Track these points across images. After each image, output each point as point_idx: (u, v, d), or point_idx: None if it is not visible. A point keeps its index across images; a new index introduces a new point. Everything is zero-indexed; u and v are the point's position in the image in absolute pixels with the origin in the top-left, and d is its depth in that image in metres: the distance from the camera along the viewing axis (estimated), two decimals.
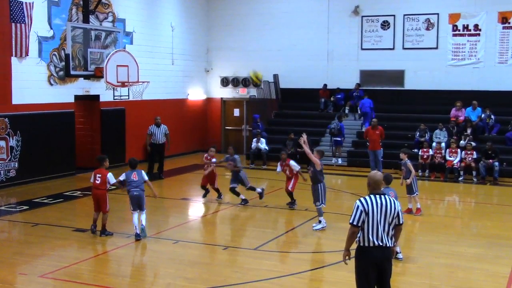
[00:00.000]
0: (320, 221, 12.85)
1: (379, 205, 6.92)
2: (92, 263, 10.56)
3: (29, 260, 10.60)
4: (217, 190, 15.79)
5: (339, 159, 22.13)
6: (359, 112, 23.64)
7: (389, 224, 6.97)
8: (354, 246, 7.14)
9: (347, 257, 7.26)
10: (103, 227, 12.20)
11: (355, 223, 6.93)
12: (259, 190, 15.49)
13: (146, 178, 12.16)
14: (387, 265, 7.08)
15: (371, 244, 6.91)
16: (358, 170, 21.11)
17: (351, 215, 6.98)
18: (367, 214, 6.89)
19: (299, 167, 14.60)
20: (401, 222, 7.07)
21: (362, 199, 6.99)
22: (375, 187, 7.08)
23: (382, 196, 7.01)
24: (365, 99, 23.14)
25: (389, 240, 7.00)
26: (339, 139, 22.15)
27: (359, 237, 6.99)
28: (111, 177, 12.05)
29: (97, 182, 12.04)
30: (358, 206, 6.94)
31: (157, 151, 19.45)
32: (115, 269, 10.48)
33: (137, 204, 11.90)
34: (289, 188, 14.62)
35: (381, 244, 6.92)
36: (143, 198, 11.99)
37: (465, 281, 9.76)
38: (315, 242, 12.06)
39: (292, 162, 14.62)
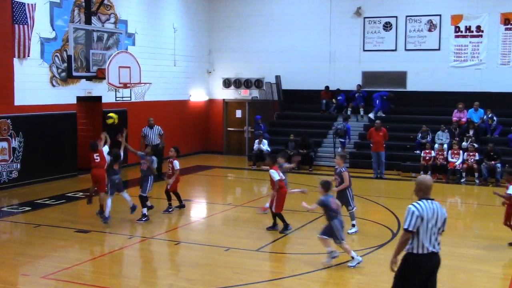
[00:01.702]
0: (353, 225, 12.69)
1: (430, 210, 6.76)
2: (94, 264, 10.57)
3: (31, 261, 10.61)
4: None
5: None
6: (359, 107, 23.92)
7: (438, 230, 6.85)
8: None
9: (394, 265, 7.02)
10: (101, 208, 13.06)
11: (410, 228, 6.70)
12: (145, 210, 13.55)
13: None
14: (437, 272, 6.94)
15: (425, 251, 6.75)
16: (360, 172, 21.08)
17: (405, 221, 6.75)
18: (422, 219, 6.70)
19: (278, 177, 12.62)
20: (445, 229, 6.97)
21: (415, 204, 6.78)
22: (427, 192, 6.85)
23: (433, 202, 6.85)
24: (383, 92, 23.66)
25: (438, 246, 6.86)
26: (343, 140, 22.15)
27: (411, 244, 6.79)
28: (106, 151, 13.63)
29: (97, 160, 13.23)
30: (413, 212, 6.71)
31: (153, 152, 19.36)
32: (117, 270, 10.49)
33: (116, 189, 13.21)
34: (273, 209, 12.78)
35: (433, 250, 6.78)
36: (121, 183, 13.37)
37: (467, 282, 9.74)
38: (317, 243, 12.02)
39: (272, 172, 12.66)
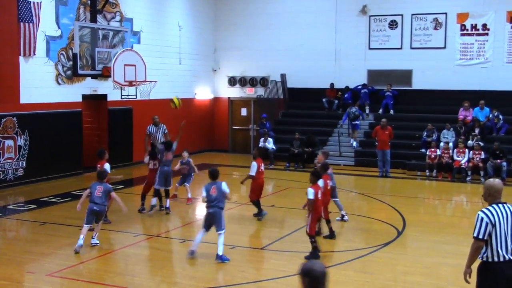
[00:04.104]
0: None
1: (504, 215, 6.41)
2: (99, 261, 10.59)
3: (37, 259, 10.64)
4: None
5: (354, 142, 22.63)
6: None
7: None
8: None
9: (468, 275, 6.65)
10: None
11: (480, 236, 6.34)
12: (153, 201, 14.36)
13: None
14: None
15: (501, 259, 6.35)
16: (365, 170, 21.08)
17: (475, 228, 6.40)
18: (493, 226, 6.33)
19: (253, 172, 13.55)
20: None
21: (485, 210, 6.42)
22: (497, 196, 6.52)
23: (505, 205, 6.50)
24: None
25: None
26: (357, 122, 22.67)
27: (484, 253, 6.42)
28: (107, 166, 12.91)
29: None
30: (482, 218, 6.36)
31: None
32: (122, 268, 10.50)
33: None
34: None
35: (511, 257, 6.39)
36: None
37: (471, 281, 9.70)
38: (322, 241, 12.03)
39: (252, 164, 13.68)
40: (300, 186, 18.17)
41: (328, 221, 12.05)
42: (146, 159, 14.78)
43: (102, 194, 11.27)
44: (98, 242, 11.40)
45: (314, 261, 4.66)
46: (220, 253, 10.36)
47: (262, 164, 13.77)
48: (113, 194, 11.50)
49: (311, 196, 10.46)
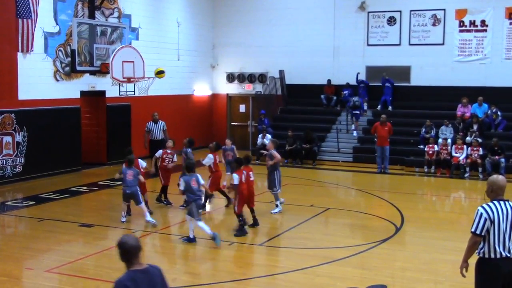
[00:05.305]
0: (277, 205, 13.86)
1: (504, 212, 6.37)
2: (97, 258, 10.57)
3: (35, 255, 10.65)
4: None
5: (355, 132, 22.86)
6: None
7: None
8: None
9: (464, 269, 6.68)
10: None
11: (478, 232, 6.34)
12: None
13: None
14: None
15: (498, 256, 6.34)
16: (363, 166, 21.09)
17: (473, 223, 6.40)
18: (492, 222, 6.31)
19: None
20: None
21: (485, 205, 6.40)
22: (499, 193, 6.47)
23: (507, 203, 6.45)
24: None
25: None
26: (358, 112, 22.88)
27: (482, 248, 6.42)
28: (141, 162, 13.56)
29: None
30: (481, 214, 6.35)
31: (157, 147, 19.39)
32: (121, 264, 10.47)
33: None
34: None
35: (508, 255, 6.35)
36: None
37: (470, 277, 9.71)
38: (320, 238, 12.06)
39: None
40: (298, 182, 18.22)
41: (252, 210, 12.58)
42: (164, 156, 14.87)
43: (132, 177, 12.54)
44: (153, 220, 12.60)
45: (130, 236, 5.22)
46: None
47: (217, 158, 14.41)
48: (141, 177, 12.80)
49: (236, 181, 11.72)
